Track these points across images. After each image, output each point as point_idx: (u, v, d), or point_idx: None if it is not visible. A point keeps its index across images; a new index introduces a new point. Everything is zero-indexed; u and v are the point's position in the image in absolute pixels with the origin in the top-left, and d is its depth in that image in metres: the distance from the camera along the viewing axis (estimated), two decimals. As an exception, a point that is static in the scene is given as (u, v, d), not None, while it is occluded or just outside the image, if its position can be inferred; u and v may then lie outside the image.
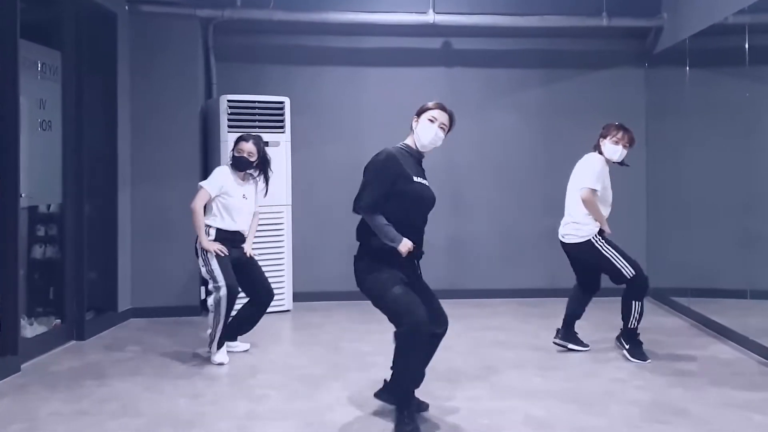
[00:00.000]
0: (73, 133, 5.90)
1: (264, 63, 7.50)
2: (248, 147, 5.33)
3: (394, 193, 3.82)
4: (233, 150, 5.38)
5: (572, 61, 7.81)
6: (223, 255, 5.15)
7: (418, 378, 3.93)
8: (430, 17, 7.28)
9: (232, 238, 5.29)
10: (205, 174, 6.97)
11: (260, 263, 5.55)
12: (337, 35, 7.53)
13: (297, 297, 7.13)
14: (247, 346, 5.52)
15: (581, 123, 7.71)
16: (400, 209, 3.83)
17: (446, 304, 7.27)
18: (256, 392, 4.53)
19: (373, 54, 7.66)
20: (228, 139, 6.67)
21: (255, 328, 5.51)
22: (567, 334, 5.49)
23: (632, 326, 5.23)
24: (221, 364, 5.17)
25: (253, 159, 5.35)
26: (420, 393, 4.36)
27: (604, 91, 7.67)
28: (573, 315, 5.49)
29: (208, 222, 5.23)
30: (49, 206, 6.08)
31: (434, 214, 4.07)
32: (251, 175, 5.45)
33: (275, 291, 6.87)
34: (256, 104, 6.84)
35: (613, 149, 5.28)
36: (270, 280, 6.82)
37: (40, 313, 5.90)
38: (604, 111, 7.11)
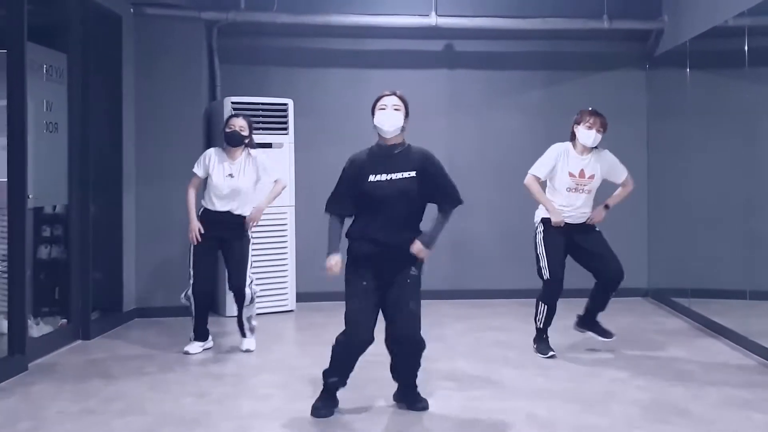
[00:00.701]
0: (78, 135, 5.97)
1: (267, 65, 7.58)
2: (239, 122, 5.48)
3: (357, 194, 4.03)
4: (224, 127, 5.51)
5: (574, 63, 7.89)
6: (196, 242, 5.39)
7: (345, 375, 4.14)
8: (433, 20, 7.36)
9: (218, 219, 5.43)
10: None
11: (263, 263, 5.69)
12: (340, 38, 7.62)
13: (300, 297, 7.20)
14: (250, 346, 5.58)
15: (583, 125, 7.79)
16: (362, 208, 4.06)
17: (448, 304, 7.38)
18: (260, 392, 4.59)
19: (376, 56, 7.74)
20: (232, 140, 6.77)
21: (259, 327, 5.60)
22: (586, 321, 5.54)
23: (538, 325, 5.44)
24: (186, 353, 5.48)
25: (245, 133, 5.47)
26: (423, 393, 4.45)
27: (605, 93, 7.71)
28: (592, 309, 5.51)
29: (202, 203, 5.48)
30: (54, 207, 6.16)
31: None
32: (245, 151, 5.53)
33: (279, 291, 7.05)
34: (260, 106, 6.91)
35: (586, 134, 5.35)
36: (273, 280, 6.96)
37: (46, 313, 5.97)
38: (605, 112, 7.08)
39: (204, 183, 5.54)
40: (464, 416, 4.12)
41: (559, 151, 5.44)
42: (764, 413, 4.12)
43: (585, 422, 4.02)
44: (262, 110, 6.92)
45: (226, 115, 6.71)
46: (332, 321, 6.56)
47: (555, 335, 5.57)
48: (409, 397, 4.23)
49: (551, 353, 5.37)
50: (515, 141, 7.79)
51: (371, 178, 3.98)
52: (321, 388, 4.18)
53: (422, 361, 5.07)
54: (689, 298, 6.74)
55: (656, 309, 7.14)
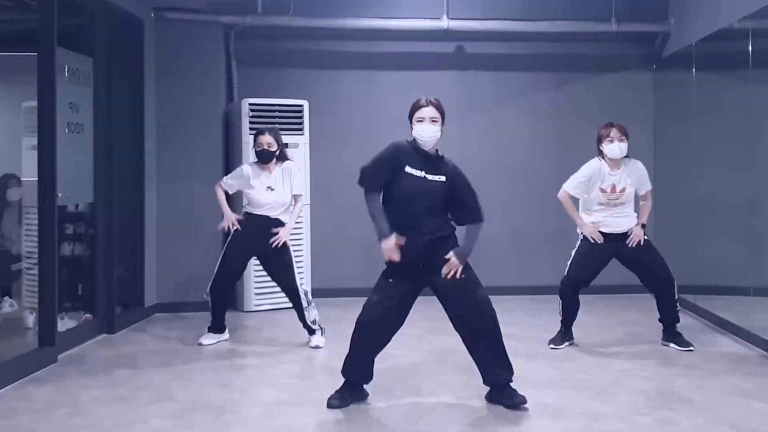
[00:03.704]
0: (103, 136, 6.17)
1: (284, 67, 7.74)
2: (266, 139, 5.65)
3: (391, 182, 4.16)
4: (254, 146, 5.72)
5: (582, 65, 8.00)
6: (234, 228, 5.61)
7: (359, 371, 4.33)
8: (444, 23, 7.51)
9: (259, 223, 5.61)
10: (227, 174, 7.23)
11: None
12: (354, 40, 7.78)
13: (315, 293, 7.26)
14: (319, 342, 5.70)
15: (591, 125, 7.78)
16: (394, 199, 4.18)
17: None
18: (281, 381, 4.78)
19: (389, 58, 7.89)
20: (249, 141, 6.90)
21: (276, 321, 5.78)
22: (665, 334, 5.70)
23: (560, 318, 5.70)
24: (200, 344, 5.73)
25: (273, 149, 5.66)
26: (438, 383, 4.64)
27: (613, 94, 7.84)
28: (664, 321, 5.69)
29: (244, 207, 5.71)
30: (77, 205, 6.35)
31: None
32: (279, 164, 5.73)
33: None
34: (276, 107, 7.08)
35: (611, 148, 5.46)
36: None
37: (69, 309, 6.14)
38: (613, 113, 7.25)
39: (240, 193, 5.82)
40: (477, 405, 4.30)
41: (593, 169, 5.53)
42: (764, 402, 4.29)
43: (593, 409, 4.19)
44: (279, 111, 7.09)
45: (243, 115, 6.97)
46: (347, 316, 6.73)
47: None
48: (504, 395, 4.26)
49: (553, 346, 5.59)
50: (525, 141, 7.93)
51: (408, 169, 4.13)
52: (342, 380, 4.35)
53: (436, 354, 5.27)
54: (695, 294, 6.84)
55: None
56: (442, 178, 4.18)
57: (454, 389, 4.56)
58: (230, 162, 7.27)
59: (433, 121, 4.19)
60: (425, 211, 4.16)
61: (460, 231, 4.30)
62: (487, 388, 4.35)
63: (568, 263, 5.61)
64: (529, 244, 7.91)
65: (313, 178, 7.31)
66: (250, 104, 7.00)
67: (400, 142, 4.27)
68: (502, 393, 4.26)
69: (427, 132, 4.18)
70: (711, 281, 6.75)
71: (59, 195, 5.35)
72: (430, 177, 4.16)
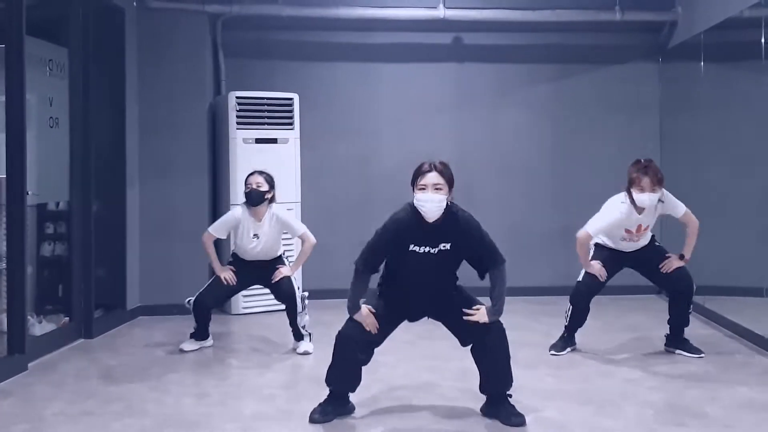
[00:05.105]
0: (80, 130, 5.87)
1: (273, 59, 7.46)
2: (256, 179, 5.37)
3: (393, 258, 3.94)
4: (244, 188, 5.43)
5: (585, 56, 7.76)
6: (227, 283, 5.42)
7: (344, 381, 4.05)
8: (441, 12, 7.23)
9: (250, 264, 5.47)
10: (214, 171, 7.04)
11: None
12: (346, 31, 7.50)
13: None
14: (308, 348, 5.44)
15: (594, 119, 7.66)
16: (401, 272, 3.98)
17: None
18: (264, 392, 4.48)
19: (383, 49, 7.61)
20: (237, 135, 6.69)
21: (264, 324, 5.53)
22: (671, 339, 5.40)
23: (565, 323, 5.41)
24: (181, 350, 5.46)
25: (263, 189, 5.35)
26: (428, 394, 4.38)
27: (617, 87, 7.62)
28: (674, 325, 5.39)
29: (233, 249, 5.52)
30: (57, 204, 6.07)
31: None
32: (270, 210, 5.45)
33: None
34: (265, 101, 6.80)
35: (641, 199, 5.01)
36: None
37: (49, 311, 5.89)
38: (616, 107, 7.00)
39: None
40: (472, 419, 4.00)
41: (620, 216, 5.11)
42: (784, 416, 4.00)
43: (598, 425, 3.89)
44: (267, 105, 6.82)
45: (231, 109, 6.72)
46: (339, 318, 6.42)
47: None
48: (502, 410, 3.97)
49: (554, 353, 5.32)
50: (524, 135, 7.68)
51: (412, 247, 3.84)
52: (326, 388, 4.07)
53: (428, 361, 5.00)
54: (704, 295, 6.56)
55: (669, 307, 6.99)
56: (447, 246, 3.87)
57: (447, 400, 4.26)
58: (217, 158, 7.00)
59: (436, 188, 3.79)
60: (432, 282, 3.98)
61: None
62: (483, 400, 4.07)
63: (582, 270, 5.32)
64: (527, 243, 7.63)
65: (303, 175, 7.03)
66: (237, 97, 6.72)
67: (401, 217, 3.89)
68: (499, 408, 3.96)
69: (429, 203, 3.79)
70: (720, 282, 6.52)
71: (29, 193, 5.07)
72: (435, 250, 3.87)
